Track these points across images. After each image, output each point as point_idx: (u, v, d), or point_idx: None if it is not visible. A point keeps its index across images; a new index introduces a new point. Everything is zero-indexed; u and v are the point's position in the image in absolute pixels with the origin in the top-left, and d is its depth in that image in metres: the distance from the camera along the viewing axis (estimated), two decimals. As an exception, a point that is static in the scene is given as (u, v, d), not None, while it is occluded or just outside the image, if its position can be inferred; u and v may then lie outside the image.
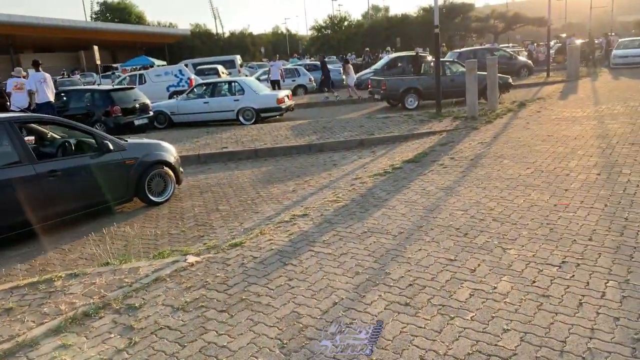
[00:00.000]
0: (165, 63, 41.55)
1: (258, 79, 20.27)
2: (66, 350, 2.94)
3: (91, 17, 67.26)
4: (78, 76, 34.08)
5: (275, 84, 18.41)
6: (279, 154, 9.41)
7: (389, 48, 40.31)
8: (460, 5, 58.31)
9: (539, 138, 8.08)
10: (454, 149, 7.87)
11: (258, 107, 13.80)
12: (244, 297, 3.43)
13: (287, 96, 14.58)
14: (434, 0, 11.68)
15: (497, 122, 10.03)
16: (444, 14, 49.78)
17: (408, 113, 12.70)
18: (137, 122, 12.76)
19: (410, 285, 3.42)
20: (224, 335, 2.98)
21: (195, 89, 15.14)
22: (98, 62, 23.04)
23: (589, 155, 6.66)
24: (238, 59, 31.21)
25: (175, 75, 19.63)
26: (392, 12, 74.28)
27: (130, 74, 23.08)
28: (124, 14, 68.18)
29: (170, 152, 6.90)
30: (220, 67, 24.88)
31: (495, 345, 2.69)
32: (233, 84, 14.67)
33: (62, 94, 13.45)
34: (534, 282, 3.35)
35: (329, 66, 23.85)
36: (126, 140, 6.58)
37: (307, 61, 32.44)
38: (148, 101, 13.66)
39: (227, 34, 76.02)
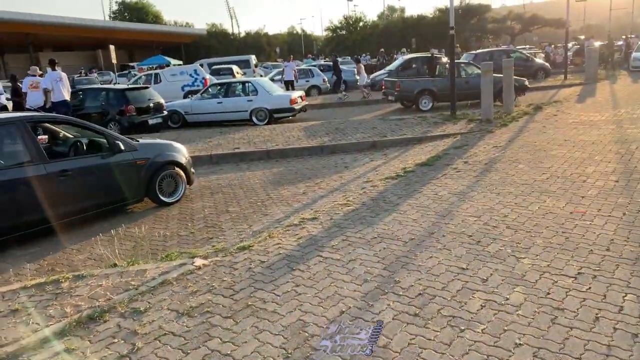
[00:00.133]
0: (181, 62, 41.82)
1: (272, 79, 20.26)
2: (69, 355, 2.92)
3: (110, 16, 68.14)
4: (95, 75, 34.48)
5: (289, 85, 18.39)
6: (290, 155, 9.36)
7: (404, 49, 40.11)
8: (476, 6, 57.78)
9: (555, 142, 7.92)
10: (468, 153, 7.75)
11: (271, 108, 13.77)
12: (249, 303, 3.37)
13: (301, 97, 14.55)
14: (449, 1, 11.55)
15: (513, 126, 9.86)
16: (460, 15, 49.35)
17: (422, 115, 12.57)
18: (151, 122, 12.82)
19: (420, 294, 3.34)
20: (228, 343, 2.93)
21: (209, 89, 15.17)
22: (114, 61, 23.24)
23: (607, 161, 6.49)
24: (253, 59, 31.32)
25: (190, 75, 19.72)
26: (407, 13, 74.02)
27: (146, 73, 23.26)
28: (142, 14, 68.82)
29: (182, 152, 6.88)
30: (235, 67, 24.96)
31: (507, 360, 2.60)
32: (247, 84, 14.68)
33: (78, 93, 13.56)
34: (548, 293, 3.24)
35: (343, 67, 23.81)
36: (137, 141, 6.57)
37: (322, 62, 32.34)
38: (162, 101, 13.72)
39: (242, 34, 76.45)
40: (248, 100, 13.99)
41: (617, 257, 3.71)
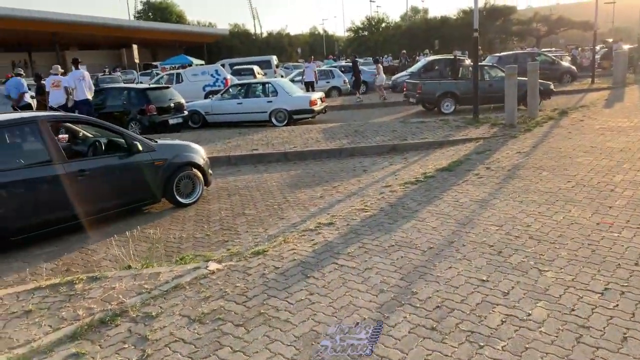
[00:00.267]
0: (203, 62, 42.15)
1: (292, 80, 20.23)
2: (79, 359, 2.89)
3: (134, 15, 69.24)
4: (119, 73, 35.03)
5: (309, 86, 18.33)
6: (308, 158, 9.29)
7: (427, 51, 39.78)
8: (501, 7, 56.90)
9: (581, 149, 7.69)
10: (491, 158, 7.57)
11: (291, 109, 13.72)
12: (262, 311, 3.30)
13: (320, 98, 14.45)
14: (474, 3, 11.35)
15: (537, 131, 9.62)
16: (485, 16, 48.65)
17: (444, 118, 12.37)
18: (171, 121, 12.89)
19: (438, 307, 3.22)
20: (239, 353, 2.86)
21: (229, 90, 15.20)
22: (137, 60, 23.55)
23: (635, 170, 6.26)
24: (274, 59, 31.33)
25: (212, 75, 19.78)
26: (431, 14, 73.50)
27: (168, 72, 23.45)
28: (165, 13, 69.77)
29: (200, 153, 6.87)
30: (256, 68, 24.99)
31: (528, 381, 2.47)
32: (267, 85, 14.65)
33: (101, 92, 13.72)
34: (573, 310, 3.10)
35: (364, 68, 23.66)
36: (156, 141, 6.58)
37: (342, 62, 32.21)
38: (183, 100, 13.79)
39: (264, 34, 76.77)
40: (268, 101, 13.97)
41: (647, 272, 3.54)
